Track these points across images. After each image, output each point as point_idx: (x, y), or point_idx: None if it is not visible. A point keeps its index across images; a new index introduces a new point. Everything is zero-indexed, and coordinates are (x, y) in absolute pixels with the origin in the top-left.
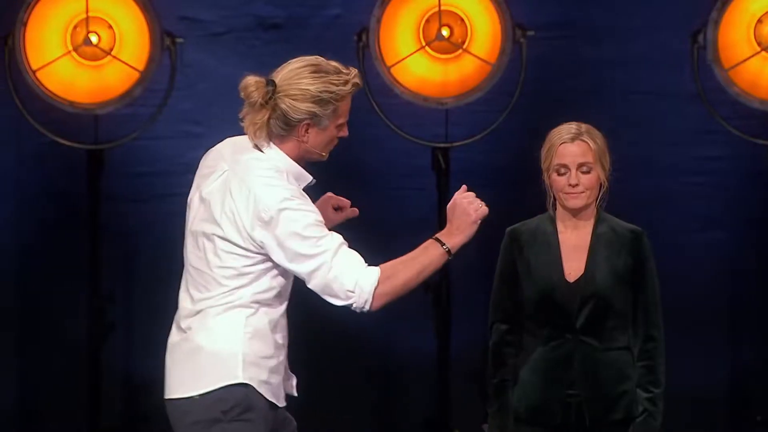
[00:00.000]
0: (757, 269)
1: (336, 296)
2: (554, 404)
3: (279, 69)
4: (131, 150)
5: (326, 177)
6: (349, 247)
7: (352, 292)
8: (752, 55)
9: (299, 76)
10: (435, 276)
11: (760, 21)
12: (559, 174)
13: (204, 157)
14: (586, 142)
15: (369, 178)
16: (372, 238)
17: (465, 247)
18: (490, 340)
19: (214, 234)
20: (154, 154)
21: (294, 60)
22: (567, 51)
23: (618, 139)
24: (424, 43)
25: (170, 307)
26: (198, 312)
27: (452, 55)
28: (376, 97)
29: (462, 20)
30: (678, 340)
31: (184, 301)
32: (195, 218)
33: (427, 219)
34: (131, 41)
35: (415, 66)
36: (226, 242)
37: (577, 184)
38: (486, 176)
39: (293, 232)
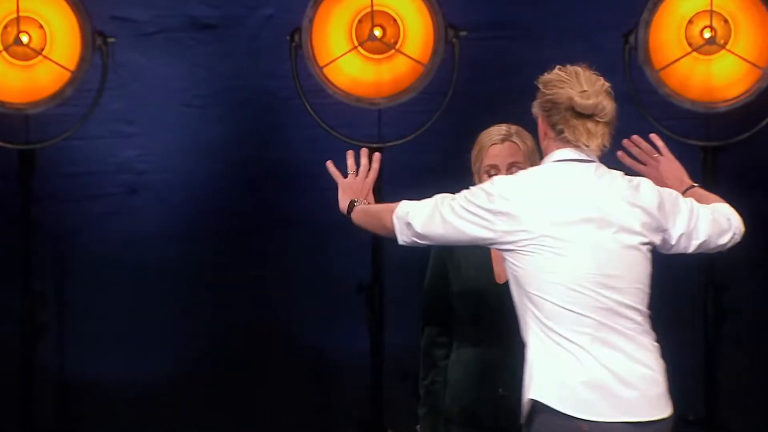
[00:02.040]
0: (692, 272)
1: None
2: (485, 405)
3: None
4: (63, 150)
5: (258, 177)
6: (280, 249)
7: None
8: (683, 56)
9: None
10: (368, 276)
11: (690, 22)
12: (490, 175)
13: None
14: (516, 143)
15: (302, 178)
16: (305, 238)
17: (397, 247)
18: (421, 341)
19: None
20: (86, 154)
21: None
22: (500, 51)
23: None
24: (356, 44)
25: (103, 307)
26: None
27: (385, 56)
28: (309, 98)
29: (395, 20)
30: None
31: None
32: None
33: None
34: (62, 41)
35: (348, 66)
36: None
37: None
38: (418, 176)
39: None
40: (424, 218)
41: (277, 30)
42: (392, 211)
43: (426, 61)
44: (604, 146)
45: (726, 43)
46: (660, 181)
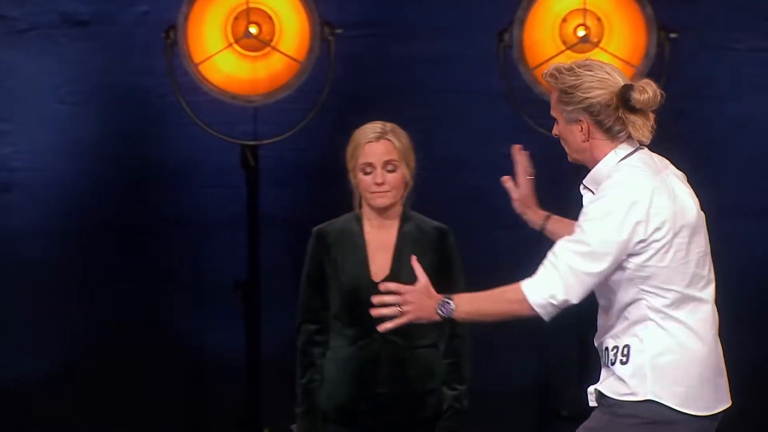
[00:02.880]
0: None
1: None
2: (362, 403)
3: None
4: None
5: (134, 175)
6: (156, 247)
7: None
8: (557, 54)
9: None
10: (244, 274)
11: (564, 20)
12: (365, 173)
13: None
14: (391, 141)
15: (178, 176)
16: (182, 236)
17: (274, 245)
18: (298, 340)
19: None
20: None
21: None
22: (376, 49)
23: (428, 138)
24: (232, 41)
25: None
26: None
27: (260, 53)
28: (185, 95)
29: (270, 18)
30: (485, 336)
31: None
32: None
33: (236, 217)
34: None
35: (224, 63)
36: None
37: (382, 183)
38: (295, 174)
39: None
40: (563, 289)
41: (152, 27)
42: (516, 302)
43: (302, 59)
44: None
45: (600, 41)
46: (525, 203)
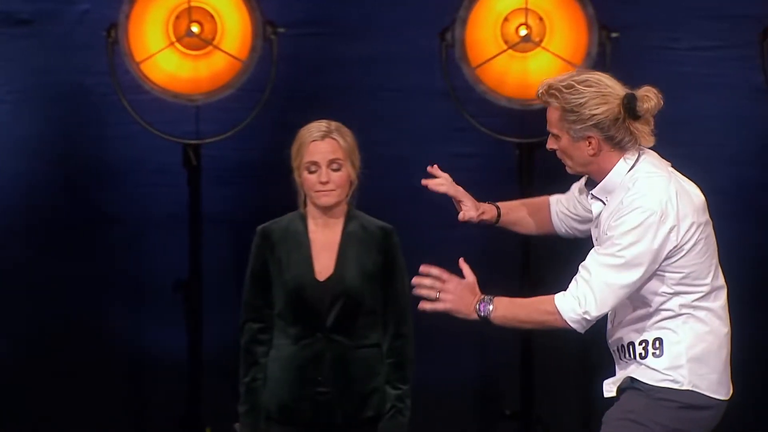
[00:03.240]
0: (506, 266)
1: None
2: (305, 402)
3: None
4: None
5: (75, 174)
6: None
7: None
8: (499, 53)
9: None
10: (186, 273)
11: (506, 20)
12: (310, 172)
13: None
14: (336, 140)
15: (120, 175)
16: (122, 235)
17: (216, 244)
18: (241, 339)
19: None
20: None
21: None
22: (319, 48)
23: (370, 137)
24: (173, 39)
25: None
26: None
27: (202, 52)
28: (126, 94)
29: (212, 17)
30: (428, 336)
31: None
32: None
33: (177, 215)
34: None
35: (165, 62)
36: None
37: (327, 182)
38: (237, 173)
39: None
40: (596, 305)
41: (93, 25)
42: (550, 314)
43: (244, 58)
44: None
45: (541, 40)
46: (472, 210)
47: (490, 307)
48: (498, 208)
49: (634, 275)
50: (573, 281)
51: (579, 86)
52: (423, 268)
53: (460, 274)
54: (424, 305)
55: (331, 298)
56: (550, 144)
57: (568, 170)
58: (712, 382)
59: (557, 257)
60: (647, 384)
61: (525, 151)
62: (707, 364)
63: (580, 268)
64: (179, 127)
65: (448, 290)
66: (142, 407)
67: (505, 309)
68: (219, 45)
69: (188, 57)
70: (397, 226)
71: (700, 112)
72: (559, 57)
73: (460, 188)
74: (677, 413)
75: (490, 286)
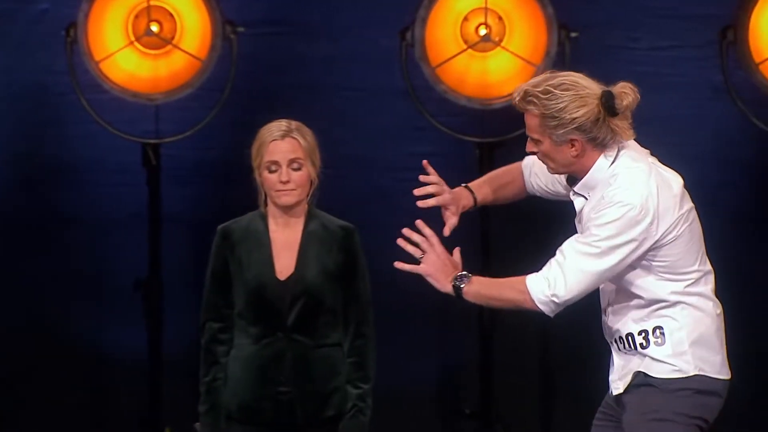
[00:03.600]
0: (468, 265)
1: None
2: (266, 402)
3: None
4: None
5: (34, 173)
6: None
7: None
8: (458, 53)
9: None
10: (146, 273)
11: (466, 19)
12: (270, 171)
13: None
14: (297, 140)
15: (80, 174)
16: (83, 235)
17: (176, 243)
18: (202, 338)
19: None
20: None
21: None
22: (279, 48)
23: (331, 136)
24: (133, 39)
25: None
26: None
27: (162, 51)
28: (86, 93)
29: (172, 16)
30: (389, 336)
31: None
32: None
33: (137, 215)
34: None
35: (125, 62)
36: None
37: (288, 181)
38: (197, 173)
39: None
40: (565, 288)
41: (52, 24)
42: (520, 292)
43: (203, 57)
44: None
45: (501, 40)
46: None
47: (465, 282)
48: (473, 193)
49: (607, 263)
50: (547, 264)
51: (556, 91)
52: (417, 223)
53: (420, 279)
54: (402, 265)
55: (291, 298)
56: (530, 148)
57: (550, 171)
58: (716, 363)
59: (519, 256)
60: (658, 378)
61: (485, 151)
62: (708, 347)
63: (557, 251)
64: (139, 126)
65: (432, 255)
66: (102, 407)
67: (480, 284)
68: (178, 44)
69: (147, 56)
70: (359, 225)
71: (660, 112)
72: (518, 56)
73: (446, 194)
74: (693, 400)
75: None
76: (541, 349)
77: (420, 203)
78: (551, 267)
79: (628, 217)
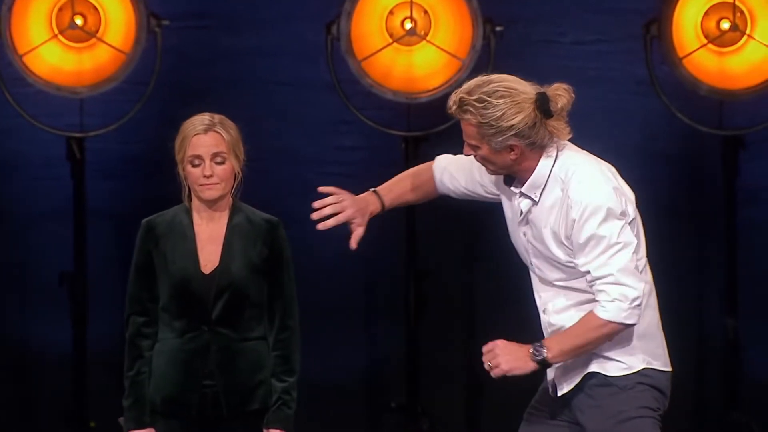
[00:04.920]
0: (393, 260)
1: None
2: (190, 395)
3: None
4: None
5: None
6: None
7: None
8: (384, 47)
9: None
10: (70, 266)
11: (391, 13)
12: (194, 165)
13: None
14: (220, 133)
15: (4, 168)
16: (6, 229)
17: (101, 237)
18: (126, 332)
19: None
20: None
21: None
22: (203, 41)
23: (258, 130)
24: (57, 32)
25: None
26: None
27: (86, 44)
28: (9, 87)
29: (96, 9)
30: (315, 329)
31: None
32: None
33: (62, 209)
34: None
35: (49, 55)
36: None
37: (211, 175)
38: (122, 166)
39: None
40: (631, 290)
41: None
42: (603, 326)
43: (128, 50)
44: None
45: (426, 34)
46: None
47: (545, 351)
48: (380, 198)
49: (632, 243)
50: (600, 293)
51: (492, 99)
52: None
53: (343, 267)
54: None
55: (216, 291)
56: (468, 152)
57: (489, 173)
58: (660, 355)
59: (441, 244)
60: (614, 376)
61: (411, 145)
62: (653, 339)
63: (594, 281)
64: (63, 120)
65: (498, 355)
66: (27, 401)
67: (559, 344)
68: (103, 37)
69: (72, 49)
70: (284, 218)
71: (584, 106)
72: (444, 50)
73: (347, 210)
74: (651, 393)
75: (375, 276)
76: (468, 343)
77: (319, 226)
78: (608, 289)
79: (610, 205)
